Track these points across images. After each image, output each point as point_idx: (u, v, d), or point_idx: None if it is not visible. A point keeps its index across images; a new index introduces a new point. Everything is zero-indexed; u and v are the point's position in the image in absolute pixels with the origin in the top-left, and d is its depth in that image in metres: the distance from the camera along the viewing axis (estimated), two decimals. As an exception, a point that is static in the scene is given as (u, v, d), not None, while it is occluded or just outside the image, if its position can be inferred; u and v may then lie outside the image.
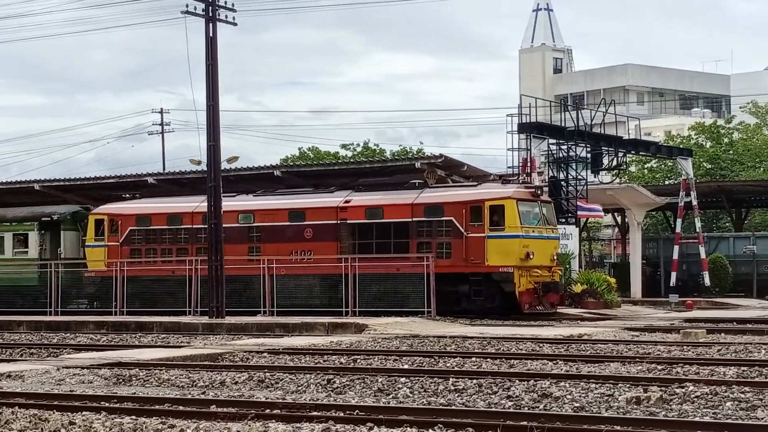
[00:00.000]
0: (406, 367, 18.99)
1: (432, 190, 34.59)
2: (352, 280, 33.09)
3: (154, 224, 37.31)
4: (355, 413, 13.36)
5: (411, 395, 15.57)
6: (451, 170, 38.63)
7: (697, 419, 12.64)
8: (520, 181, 36.18)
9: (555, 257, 33.94)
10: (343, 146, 72.13)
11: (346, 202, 34.70)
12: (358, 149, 70.98)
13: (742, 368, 17.58)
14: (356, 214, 34.37)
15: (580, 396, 14.80)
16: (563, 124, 39.81)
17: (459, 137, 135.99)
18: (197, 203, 36.71)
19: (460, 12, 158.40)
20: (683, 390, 14.84)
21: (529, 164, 38.05)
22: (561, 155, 39.23)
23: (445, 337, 25.38)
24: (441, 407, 13.99)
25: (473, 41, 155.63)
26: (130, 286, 36.32)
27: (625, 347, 22.27)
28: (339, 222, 34.46)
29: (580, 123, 39.16)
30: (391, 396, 15.57)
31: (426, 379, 16.73)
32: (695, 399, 14.34)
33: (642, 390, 14.67)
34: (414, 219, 33.46)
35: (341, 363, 19.92)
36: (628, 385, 15.47)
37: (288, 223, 35.18)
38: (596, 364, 18.83)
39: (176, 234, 36.98)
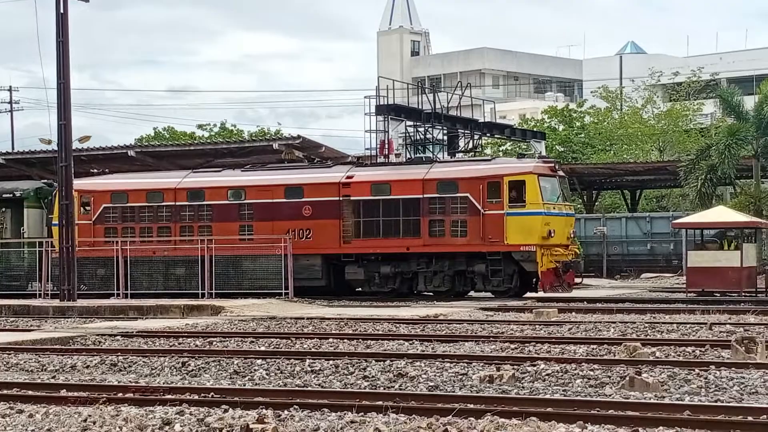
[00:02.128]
0: (262, 348, 18.92)
1: (443, 165, 33.34)
2: (209, 262, 32.73)
3: (131, 201, 34.80)
4: (210, 396, 13.26)
5: (267, 377, 15.52)
6: (308, 151, 38.58)
7: (547, 396, 12.91)
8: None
9: (572, 235, 32.91)
10: (200, 126, 71.24)
11: (349, 177, 32.98)
12: (215, 130, 70.21)
13: (592, 346, 18.04)
14: (360, 190, 32.69)
15: (435, 375, 14.97)
16: (420, 107, 40.05)
17: (319, 118, 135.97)
18: (180, 178, 34.99)
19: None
20: (535, 368, 15.14)
21: (386, 146, 38.21)
22: (418, 137, 39.49)
23: (303, 318, 25.37)
24: (297, 388, 13.98)
25: (332, 22, 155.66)
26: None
27: (479, 327, 22.60)
28: (341, 198, 32.76)
29: (437, 105, 39.46)
30: (247, 378, 15.49)
31: (283, 360, 16.69)
32: (546, 377, 14.65)
33: (495, 369, 14.92)
34: (425, 195, 31.90)
35: (197, 345, 19.72)
36: (481, 364, 15.72)
37: (284, 200, 33.34)
38: (451, 344, 19.08)
39: (157, 212, 34.65)
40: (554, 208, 31.66)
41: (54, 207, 35.24)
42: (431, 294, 32.62)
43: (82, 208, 35.06)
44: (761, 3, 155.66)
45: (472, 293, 33.24)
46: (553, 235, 31.04)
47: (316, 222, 32.85)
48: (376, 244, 32.46)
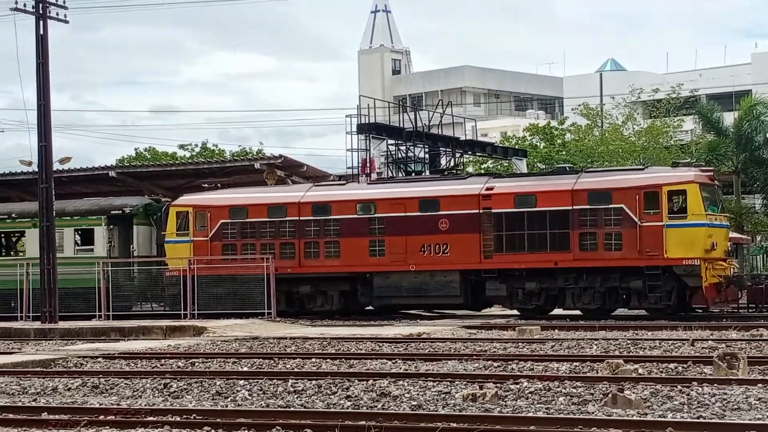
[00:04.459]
0: (245, 369, 18.86)
1: (591, 175, 31.55)
2: (191, 282, 32.59)
3: (251, 216, 33.38)
4: (192, 417, 13.20)
5: (250, 398, 15.46)
6: (290, 170, 38.63)
7: (530, 415, 12.90)
8: (697, 166, 32.15)
9: (729, 248, 31.36)
10: (181, 147, 71.07)
11: (489, 189, 31.45)
12: (197, 150, 70.08)
13: (575, 364, 18.04)
14: (502, 202, 31.10)
15: (417, 394, 14.94)
16: (402, 125, 40.15)
17: (303, 137, 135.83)
18: (302, 192, 33.75)
19: (300, 12, 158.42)
20: (518, 386, 15.14)
21: (368, 165, 38.27)
22: (400, 156, 39.57)
23: (286, 338, 25.33)
24: (279, 409, 13.93)
25: (314, 41, 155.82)
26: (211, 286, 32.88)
27: (462, 345, 22.59)
28: (481, 211, 31.20)
29: (418, 124, 39.57)
30: (229, 399, 15.43)
31: (265, 381, 16.64)
32: (529, 395, 14.64)
33: (478, 387, 14.89)
34: (575, 207, 30.16)
35: (179, 366, 19.65)
36: (464, 383, 15.70)
37: (418, 214, 31.78)
38: (434, 363, 19.05)
39: (279, 227, 33.18)
40: (715, 219, 30.13)
41: (167, 224, 34.25)
42: (580, 312, 31.00)
43: (197, 224, 33.81)
44: (740, 19, 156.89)
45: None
46: (715, 247, 29.42)
47: (453, 236, 31.38)
48: (520, 259, 30.85)
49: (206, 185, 38.19)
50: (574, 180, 30.91)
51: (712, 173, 31.43)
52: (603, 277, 30.32)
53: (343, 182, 35.54)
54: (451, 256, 31.46)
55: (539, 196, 30.87)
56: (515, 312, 32.23)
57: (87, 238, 36.18)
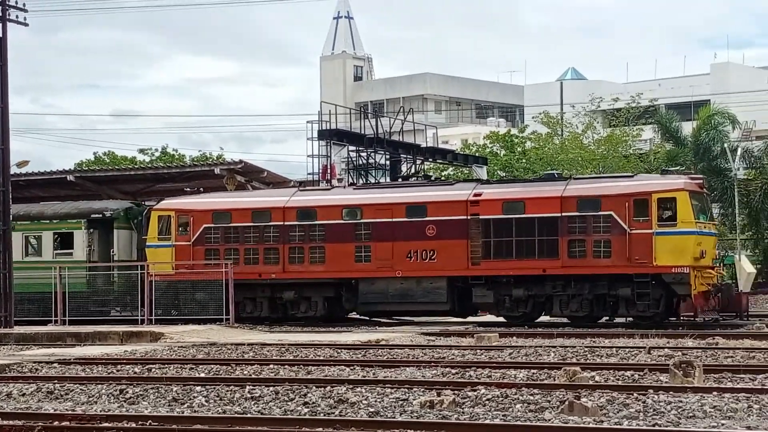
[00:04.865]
0: (202, 375, 18.78)
1: (580, 182, 31.43)
2: (149, 287, 32.40)
3: (235, 221, 32.97)
4: (148, 423, 13.14)
5: (206, 404, 15.40)
6: (250, 176, 38.56)
7: (487, 422, 12.95)
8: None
9: (718, 256, 31.16)
10: (141, 151, 70.70)
11: (477, 195, 31.14)
12: (157, 154, 69.74)
13: (532, 371, 18.11)
14: (490, 208, 30.78)
15: (375, 401, 14.95)
16: (363, 132, 40.21)
17: (263, 143, 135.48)
18: (287, 197, 33.29)
19: (262, 17, 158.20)
20: (475, 393, 15.18)
21: (329, 171, 38.29)
22: (361, 162, 39.61)
23: (244, 344, 25.23)
24: (236, 415, 13.90)
25: (276, 47, 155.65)
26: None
27: (420, 352, 22.60)
28: (469, 218, 30.89)
29: (379, 130, 39.64)
30: (186, 405, 15.36)
31: (222, 387, 16.57)
32: (487, 402, 14.68)
33: (436, 394, 14.91)
34: (564, 214, 29.95)
35: (135, 372, 19.54)
36: (422, 389, 15.72)
37: (405, 220, 31.47)
38: (392, 369, 19.06)
39: (264, 232, 32.75)
40: (705, 227, 30.10)
41: (150, 228, 33.72)
42: (568, 320, 30.78)
43: (180, 228, 33.36)
44: (699, 30, 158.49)
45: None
46: (704, 255, 29.41)
47: (441, 242, 31.06)
48: (508, 266, 30.56)
49: (188, 189, 37.91)
50: (563, 187, 30.74)
51: (701, 181, 31.42)
52: (591, 284, 30.16)
53: (329, 187, 35.31)
54: (438, 263, 31.18)
55: (528, 202, 30.66)
56: (501, 319, 31.93)
57: (66, 241, 35.64)
